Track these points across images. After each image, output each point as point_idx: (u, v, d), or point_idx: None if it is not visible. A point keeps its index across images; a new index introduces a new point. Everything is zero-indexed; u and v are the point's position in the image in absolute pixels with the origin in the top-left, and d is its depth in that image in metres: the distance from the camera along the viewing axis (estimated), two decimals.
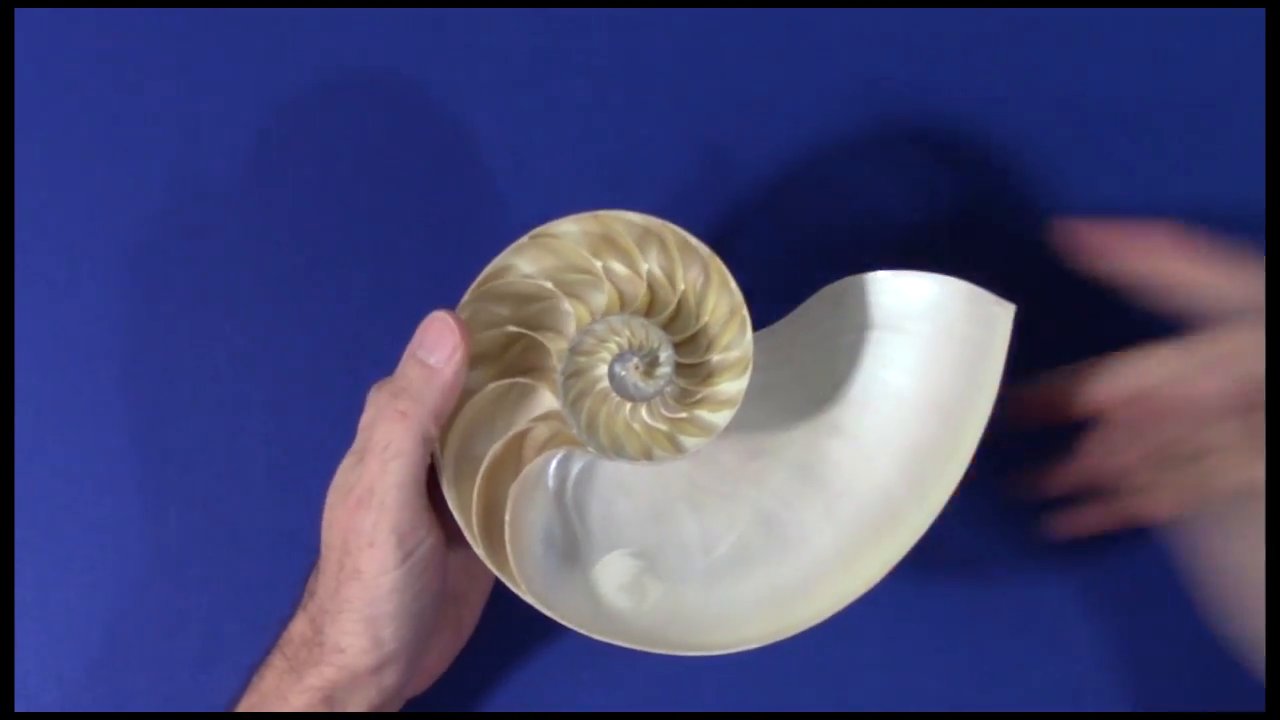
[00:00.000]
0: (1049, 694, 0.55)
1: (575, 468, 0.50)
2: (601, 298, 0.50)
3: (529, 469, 0.49)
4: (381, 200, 0.57)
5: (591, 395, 0.49)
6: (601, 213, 0.48)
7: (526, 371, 0.50)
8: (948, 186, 0.57)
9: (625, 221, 0.48)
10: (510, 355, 0.51)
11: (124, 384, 0.57)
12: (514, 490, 0.49)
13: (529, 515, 0.49)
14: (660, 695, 0.55)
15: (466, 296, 0.49)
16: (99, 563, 0.56)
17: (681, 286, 0.49)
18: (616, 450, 0.49)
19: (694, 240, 0.48)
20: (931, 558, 0.55)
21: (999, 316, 0.48)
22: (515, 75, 0.57)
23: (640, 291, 0.50)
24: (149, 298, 0.57)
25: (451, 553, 0.50)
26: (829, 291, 0.50)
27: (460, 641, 0.54)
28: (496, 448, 0.49)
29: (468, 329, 0.48)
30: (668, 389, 0.49)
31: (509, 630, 0.55)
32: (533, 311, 0.50)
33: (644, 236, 0.49)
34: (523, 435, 0.50)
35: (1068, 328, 0.55)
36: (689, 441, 0.49)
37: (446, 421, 0.49)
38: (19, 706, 0.55)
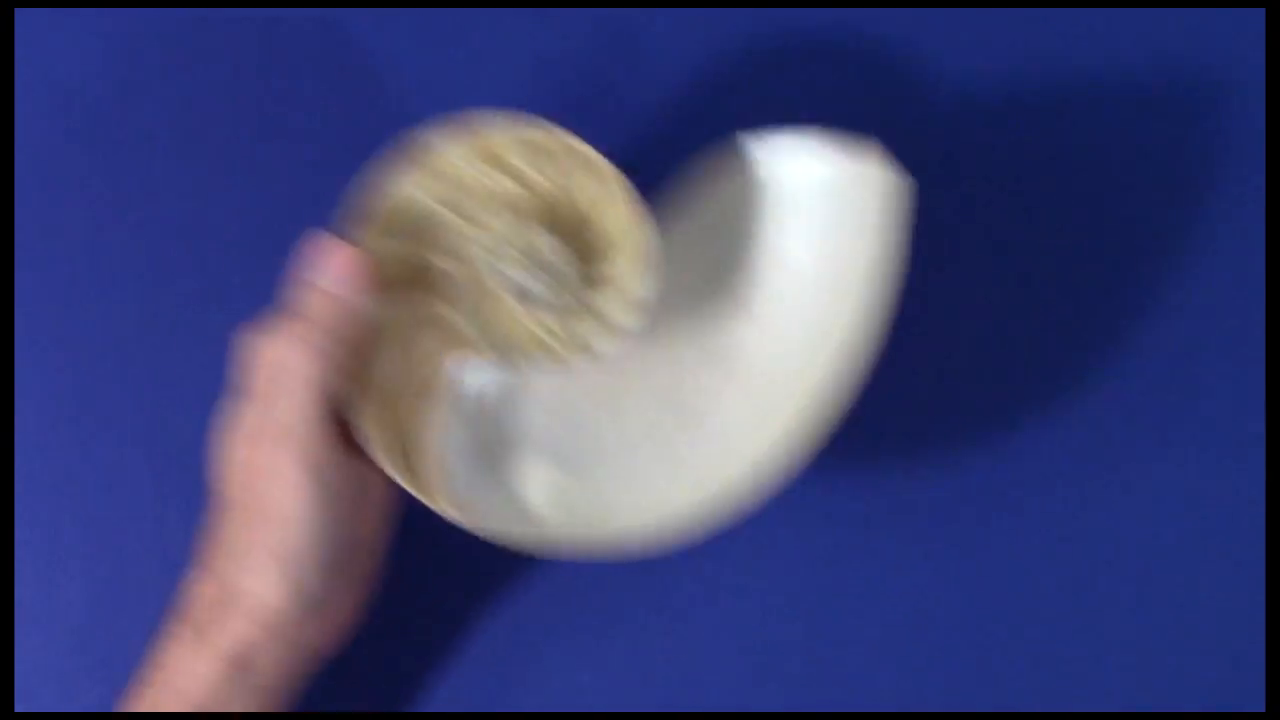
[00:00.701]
0: (1049, 694, 0.55)
1: (485, 380, 0.51)
2: (494, 214, 0.50)
3: (438, 387, 0.49)
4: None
5: (491, 303, 0.50)
6: (482, 130, 0.49)
7: (425, 292, 0.50)
8: (947, 185, 0.57)
9: (511, 136, 0.49)
10: (404, 277, 0.50)
11: (124, 384, 0.57)
12: (425, 410, 0.49)
13: (443, 433, 0.49)
14: (661, 695, 0.55)
15: (351, 221, 0.48)
16: (99, 562, 0.56)
17: (575, 195, 0.50)
18: (522, 356, 0.49)
19: (585, 148, 0.48)
20: (929, 555, 0.55)
21: (896, 190, 0.49)
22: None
23: (533, 204, 0.50)
24: (151, 299, 0.57)
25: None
26: (725, 166, 0.51)
27: (368, 593, 0.51)
28: (401, 369, 0.49)
29: (358, 249, 0.47)
30: (569, 296, 0.49)
31: (504, 629, 0.55)
32: (423, 230, 0.50)
33: (533, 151, 0.49)
34: (428, 355, 0.50)
35: (1068, 327, 0.55)
36: (600, 344, 0.49)
37: (350, 349, 0.47)
38: (19, 706, 0.55)
